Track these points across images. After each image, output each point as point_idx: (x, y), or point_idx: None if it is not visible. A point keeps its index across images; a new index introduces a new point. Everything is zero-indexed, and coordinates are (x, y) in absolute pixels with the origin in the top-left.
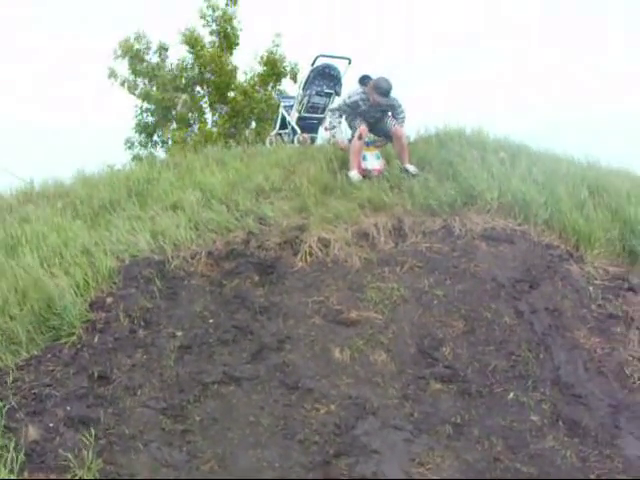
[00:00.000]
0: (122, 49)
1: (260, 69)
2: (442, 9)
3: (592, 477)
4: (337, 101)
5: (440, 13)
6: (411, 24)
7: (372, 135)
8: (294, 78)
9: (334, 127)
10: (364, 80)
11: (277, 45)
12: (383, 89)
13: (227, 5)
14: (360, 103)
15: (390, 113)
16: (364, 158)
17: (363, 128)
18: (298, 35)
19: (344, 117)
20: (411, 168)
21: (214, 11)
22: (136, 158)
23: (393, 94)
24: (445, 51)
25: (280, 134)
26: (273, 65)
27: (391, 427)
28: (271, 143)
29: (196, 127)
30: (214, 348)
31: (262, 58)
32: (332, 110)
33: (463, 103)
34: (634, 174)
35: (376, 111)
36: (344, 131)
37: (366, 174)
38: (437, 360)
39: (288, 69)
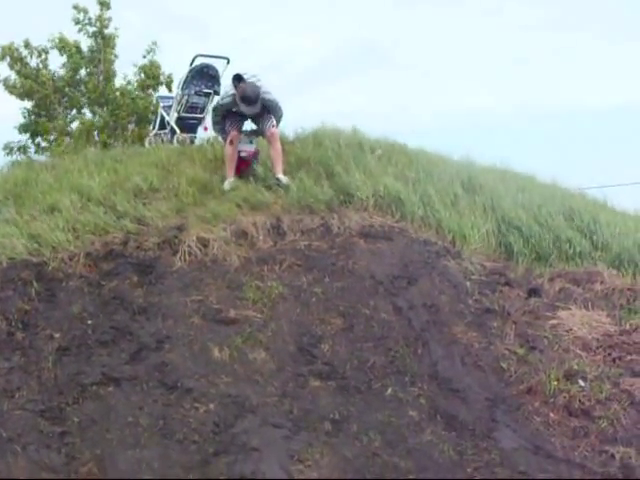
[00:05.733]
0: (5, 52)
1: (138, 77)
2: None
3: (469, 470)
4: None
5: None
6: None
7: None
8: (169, 87)
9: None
10: (237, 80)
11: (152, 51)
12: (248, 98)
13: (100, 10)
14: (232, 106)
15: (268, 114)
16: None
17: (234, 133)
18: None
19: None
20: (283, 179)
21: (85, 14)
22: (15, 163)
23: (269, 96)
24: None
25: (159, 134)
26: (150, 74)
27: (270, 425)
28: (150, 143)
29: (75, 124)
30: (93, 349)
31: (141, 67)
32: (213, 121)
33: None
34: (509, 170)
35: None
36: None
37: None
38: (316, 357)
39: (163, 78)
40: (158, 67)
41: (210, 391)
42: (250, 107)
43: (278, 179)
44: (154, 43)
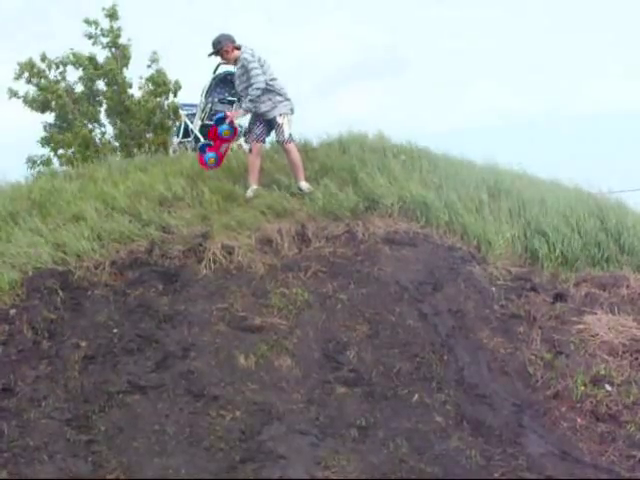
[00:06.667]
0: (22, 69)
1: (147, 86)
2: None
3: (496, 476)
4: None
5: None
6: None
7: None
8: (175, 93)
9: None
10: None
11: (155, 61)
12: (212, 43)
13: (110, 21)
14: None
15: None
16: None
17: (256, 144)
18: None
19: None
20: (304, 186)
21: (96, 27)
22: (39, 174)
23: (249, 58)
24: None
25: (183, 142)
26: (160, 81)
27: (296, 432)
28: (174, 152)
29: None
30: (118, 357)
31: (149, 78)
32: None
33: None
34: (531, 176)
35: (242, 81)
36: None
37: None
38: (342, 364)
39: (171, 85)
40: (164, 75)
41: (236, 399)
42: (211, 50)
43: (300, 188)
44: (155, 53)
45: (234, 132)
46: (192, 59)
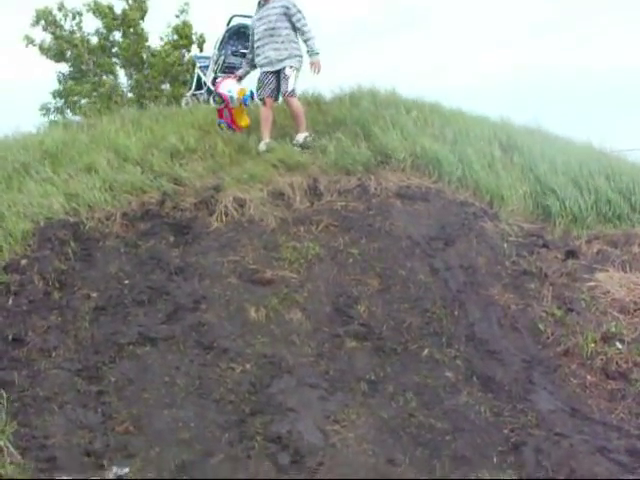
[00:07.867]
0: (39, 16)
1: (171, 37)
2: None
3: (505, 432)
4: None
5: None
6: None
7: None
8: (201, 47)
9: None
10: None
11: (184, 11)
12: None
13: None
14: (251, 24)
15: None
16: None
17: (268, 99)
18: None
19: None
20: (299, 137)
21: None
22: (52, 123)
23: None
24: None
25: (196, 95)
26: (183, 34)
27: (306, 385)
28: (187, 104)
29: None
30: (129, 309)
31: (175, 27)
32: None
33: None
34: (546, 132)
35: (277, 19)
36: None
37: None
38: (352, 318)
39: (195, 38)
40: (190, 27)
41: (246, 351)
42: None
43: (295, 139)
44: (186, 4)
45: (223, 100)
46: (207, 14)
